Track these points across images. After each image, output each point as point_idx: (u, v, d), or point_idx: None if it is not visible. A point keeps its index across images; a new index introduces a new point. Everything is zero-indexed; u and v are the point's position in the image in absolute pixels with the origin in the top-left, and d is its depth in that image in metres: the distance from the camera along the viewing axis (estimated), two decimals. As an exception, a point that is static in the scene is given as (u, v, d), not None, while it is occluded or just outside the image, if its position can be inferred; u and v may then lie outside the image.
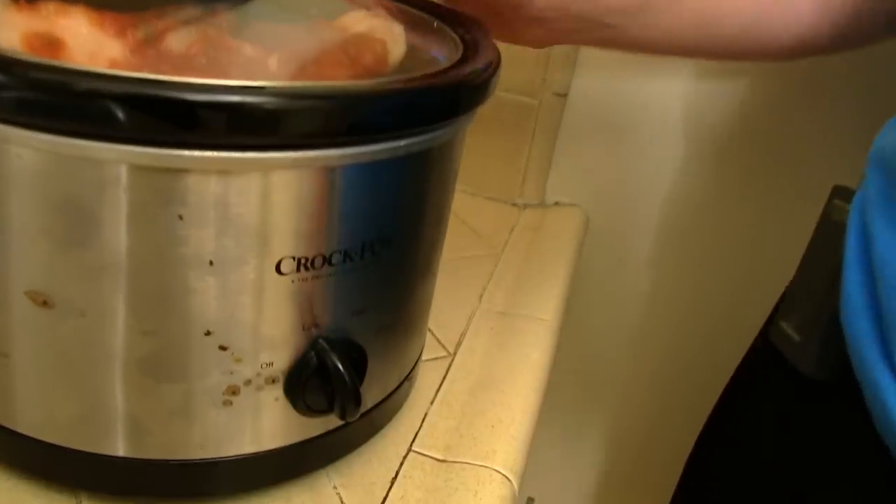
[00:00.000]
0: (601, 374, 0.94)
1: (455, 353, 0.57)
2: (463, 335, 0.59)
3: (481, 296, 0.65)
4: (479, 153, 0.81)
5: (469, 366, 0.56)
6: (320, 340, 0.37)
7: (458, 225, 0.77)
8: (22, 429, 0.37)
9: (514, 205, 0.83)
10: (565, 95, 0.80)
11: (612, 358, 0.92)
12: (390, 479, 0.44)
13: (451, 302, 0.63)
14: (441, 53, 0.43)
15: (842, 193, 0.47)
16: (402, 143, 0.34)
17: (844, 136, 0.74)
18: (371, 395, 0.42)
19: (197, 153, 0.30)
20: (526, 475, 0.49)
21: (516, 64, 0.77)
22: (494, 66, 0.38)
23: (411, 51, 0.43)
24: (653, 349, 0.90)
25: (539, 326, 0.62)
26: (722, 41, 0.53)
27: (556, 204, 0.85)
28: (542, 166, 0.83)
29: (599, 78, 0.80)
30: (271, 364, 0.36)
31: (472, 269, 0.69)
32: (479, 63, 0.37)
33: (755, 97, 0.77)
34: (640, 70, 0.79)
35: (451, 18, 0.46)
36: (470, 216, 0.79)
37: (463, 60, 0.39)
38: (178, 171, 0.30)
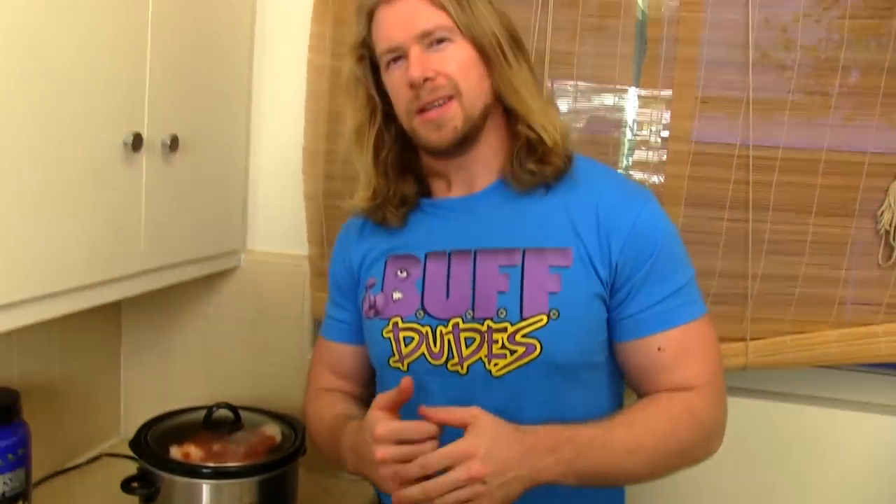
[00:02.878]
0: None
1: None
2: None
3: None
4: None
5: None
6: None
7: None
8: None
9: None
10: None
11: None
12: None
13: None
14: (292, 441, 1.53)
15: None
16: (268, 475, 1.44)
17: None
18: None
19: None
20: None
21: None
22: (299, 447, 1.48)
23: (282, 438, 1.54)
24: None
25: None
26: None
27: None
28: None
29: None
30: None
31: None
32: (293, 448, 1.47)
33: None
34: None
35: (294, 424, 1.57)
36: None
37: (293, 443, 1.49)
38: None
